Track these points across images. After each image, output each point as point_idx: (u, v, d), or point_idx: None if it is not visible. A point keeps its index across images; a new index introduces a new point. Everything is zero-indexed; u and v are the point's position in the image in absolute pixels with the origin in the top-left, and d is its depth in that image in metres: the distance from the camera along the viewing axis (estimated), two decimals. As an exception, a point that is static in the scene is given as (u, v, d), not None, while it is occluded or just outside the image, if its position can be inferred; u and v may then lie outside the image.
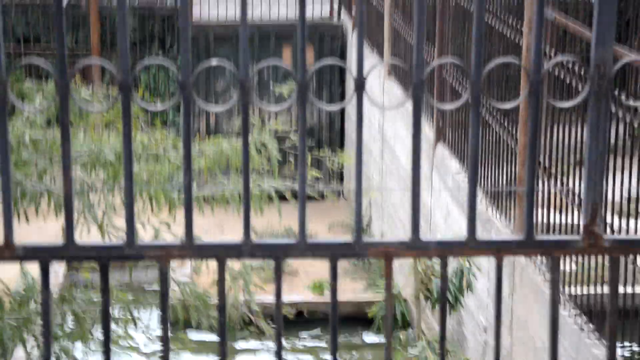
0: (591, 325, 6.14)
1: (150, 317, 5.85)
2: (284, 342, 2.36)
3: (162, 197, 5.32)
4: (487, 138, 8.06)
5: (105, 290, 2.08)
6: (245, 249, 2.09)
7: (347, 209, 14.84)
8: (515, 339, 7.84)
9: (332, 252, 2.11)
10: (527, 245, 1.98)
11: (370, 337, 11.44)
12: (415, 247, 2.06)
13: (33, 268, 5.29)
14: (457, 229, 7.72)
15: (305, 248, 2.10)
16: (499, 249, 2.00)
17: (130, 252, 2.04)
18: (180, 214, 2.32)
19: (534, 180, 2.07)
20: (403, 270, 8.54)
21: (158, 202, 5.29)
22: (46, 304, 2.04)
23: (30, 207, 4.88)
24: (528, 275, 7.36)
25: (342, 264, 14.19)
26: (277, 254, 2.11)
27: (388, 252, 2.08)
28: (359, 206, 2.12)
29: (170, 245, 2.08)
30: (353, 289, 13.25)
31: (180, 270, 6.15)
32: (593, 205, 2.00)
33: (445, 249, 2.05)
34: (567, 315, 6.51)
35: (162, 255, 2.06)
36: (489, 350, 7.96)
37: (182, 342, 5.89)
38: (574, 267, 6.97)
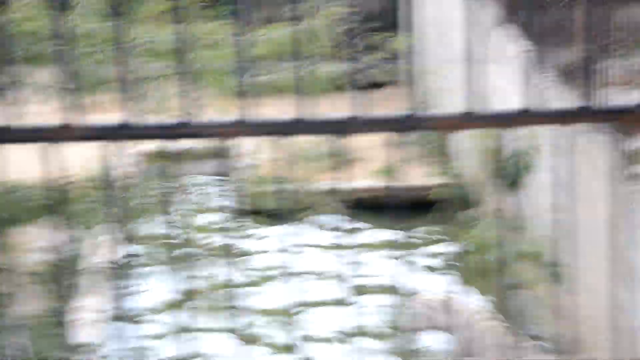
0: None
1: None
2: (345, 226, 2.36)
3: (219, 84, 5.32)
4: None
5: (172, 160, 2.10)
6: (304, 126, 2.08)
7: (406, 97, 14.72)
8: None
9: (391, 126, 2.08)
10: (590, 113, 1.93)
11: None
12: (473, 118, 2.03)
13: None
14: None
15: (365, 122, 2.08)
16: (562, 118, 1.96)
17: (188, 131, 2.04)
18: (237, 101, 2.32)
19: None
20: (472, 154, 8.47)
21: (218, 89, 5.29)
22: (106, 180, 2.06)
23: (89, 96, 4.92)
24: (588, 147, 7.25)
25: (407, 149, 14.14)
26: (338, 129, 2.10)
27: (446, 125, 2.05)
28: (414, 84, 2.09)
29: (226, 122, 2.08)
30: (421, 174, 13.24)
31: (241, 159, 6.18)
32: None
33: (504, 120, 2.02)
34: None
35: (220, 132, 2.06)
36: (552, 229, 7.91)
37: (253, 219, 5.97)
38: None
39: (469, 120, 2.00)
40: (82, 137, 1.99)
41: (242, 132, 2.02)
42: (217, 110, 5.36)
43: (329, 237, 11.43)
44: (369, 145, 15.29)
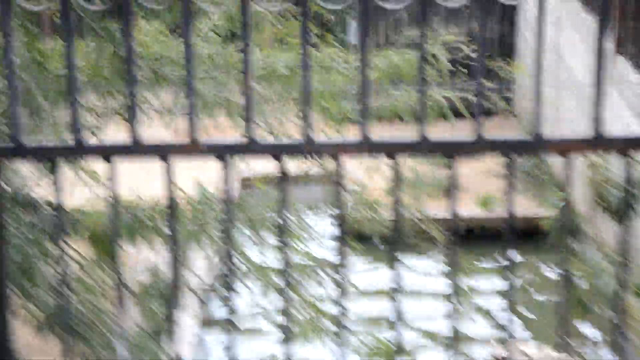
0: None
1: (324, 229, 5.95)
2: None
3: (335, 108, 5.36)
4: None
5: (282, 185, 2.12)
6: (419, 145, 2.08)
7: (519, 126, 14.54)
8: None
9: (509, 149, 2.06)
10: None
11: (543, 254, 11.28)
12: (597, 142, 1.99)
13: (208, 183, 5.45)
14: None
15: (481, 145, 2.06)
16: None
17: (307, 149, 2.07)
18: (353, 127, 2.33)
19: None
20: (578, 185, 8.31)
21: (331, 113, 5.33)
22: (227, 198, 2.10)
23: (210, 116, 5.03)
24: None
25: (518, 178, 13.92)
26: (452, 151, 2.08)
27: (567, 148, 2.02)
28: (537, 101, 2.06)
29: (345, 142, 2.09)
30: (525, 205, 13.03)
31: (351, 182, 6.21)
32: None
33: (630, 144, 1.97)
34: None
35: (338, 150, 2.07)
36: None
37: (354, 248, 5.97)
38: None
39: (594, 143, 1.96)
40: (209, 152, 2.03)
41: (364, 151, 2.03)
42: (332, 133, 5.42)
43: (438, 268, 11.37)
44: (474, 174, 15.13)
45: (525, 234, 10.69)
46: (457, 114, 6.34)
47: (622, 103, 9.05)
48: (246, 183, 11.27)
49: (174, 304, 2.26)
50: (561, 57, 11.90)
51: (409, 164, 6.46)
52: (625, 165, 2.03)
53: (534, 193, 13.47)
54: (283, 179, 2.13)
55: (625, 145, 1.94)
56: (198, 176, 5.65)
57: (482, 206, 12.88)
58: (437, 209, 6.80)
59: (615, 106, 9.24)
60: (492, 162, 14.94)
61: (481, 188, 13.83)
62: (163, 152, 1.96)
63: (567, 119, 12.39)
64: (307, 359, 9.29)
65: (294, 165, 6.15)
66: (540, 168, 14.44)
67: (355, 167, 6.07)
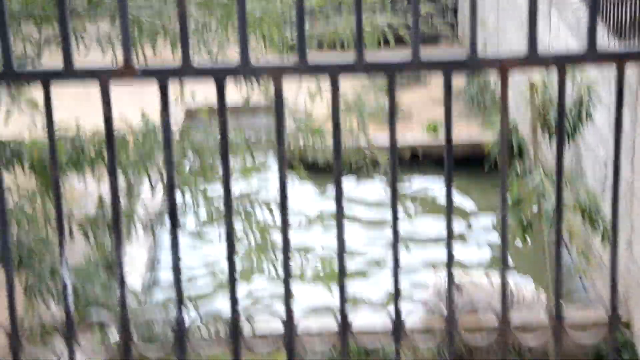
0: None
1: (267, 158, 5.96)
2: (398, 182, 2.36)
3: (276, 35, 5.33)
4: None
5: (222, 110, 2.11)
6: (359, 66, 2.07)
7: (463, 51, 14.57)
8: (637, 172, 7.68)
9: (447, 67, 2.06)
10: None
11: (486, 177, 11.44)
12: (532, 59, 2.00)
13: (153, 114, 5.41)
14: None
15: (419, 64, 2.06)
16: (621, 58, 1.93)
17: (244, 71, 2.05)
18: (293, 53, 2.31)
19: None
20: (520, 109, 8.40)
21: (272, 39, 5.29)
22: (167, 125, 2.08)
23: (147, 42, 4.97)
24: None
25: (457, 107, 14.04)
26: (391, 70, 2.08)
27: (503, 65, 2.03)
28: (474, 21, 2.07)
29: (283, 64, 2.08)
30: (468, 131, 13.15)
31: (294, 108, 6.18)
32: None
33: (563, 60, 1.99)
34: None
35: (276, 72, 2.06)
36: (608, 183, 7.86)
37: (298, 173, 5.98)
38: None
39: (529, 60, 1.97)
40: (144, 76, 2.00)
41: (303, 72, 2.02)
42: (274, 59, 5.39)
43: (379, 191, 11.47)
44: (420, 101, 15.16)
45: (472, 160, 10.81)
46: (401, 41, 6.34)
47: (561, 24, 9.12)
48: (191, 114, 11.20)
49: (118, 234, 2.25)
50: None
51: (354, 91, 6.47)
52: (559, 82, 2.05)
53: (479, 119, 13.60)
54: (222, 106, 2.12)
55: (559, 62, 1.96)
56: (143, 109, 5.61)
57: (428, 132, 12.97)
58: (384, 137, 6.83)
59: (555, 27, 9.31)
60: (438, 90, 15.04)
61: (427, 115, 13.90)
62: (97, 76, 1.93)
63: (507, 41, 12.46)
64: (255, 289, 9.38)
65: (237, 97, 6.13)
66: (484, 94, 14.55)
67: (299, 97, 6.06)
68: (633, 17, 7.39)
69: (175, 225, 2.18)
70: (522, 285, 8.24)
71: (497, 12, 12.70)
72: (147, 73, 1.95)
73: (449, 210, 2.19)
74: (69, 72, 1.91)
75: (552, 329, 2.09)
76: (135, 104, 5.91)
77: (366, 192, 11.54)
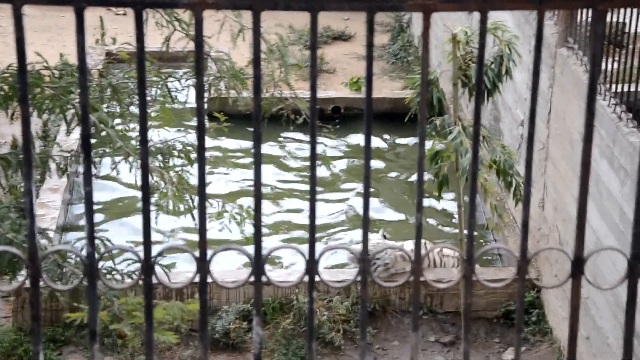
0: (629, 114, 6.10)
1: (187, 93, 5.87)
2: (320, 138, 2.35)
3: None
4: None
5: (140, 38, 2.06)
6: (282, 1, 2.05)
7: None
8: (553, 130, 7.84)
9: (370, 5, 2.05)
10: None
11: (407, 131, 11.53)
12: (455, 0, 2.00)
13: (71, 57, 5.29)
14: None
15: (343, 0, 2.05)
16: (540, 1, 1.94)
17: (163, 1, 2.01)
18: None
19: None
20: (442, 66, 8.46)
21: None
22: (82, 52, 2.03)
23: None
24: (569, 66, 7.26)
25: (380, 64, 14.10)
26: (313, 6, 2.06)
27: (427, 6, 2.03)
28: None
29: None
30: (391, 87, 13.23)
31: (216, 49, 6.09)
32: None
33: (485, 2, 2.00)
34: (606, 105, 6.45)
35: (197, 3, 2.02)
36: (524, 143, 8.01)
37: (217, 120, 5.92)
38: (615, 65, 6.85)
39: (450, 1, 1.97)
40: (59, 1, 1.94)
41: (224, 5, 1.98)
42: None
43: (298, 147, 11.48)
44: (343, 58, 15.16)
45: (395, 115, 10.88)
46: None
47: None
48: (112, 57, 10.99)
49: (29, 175, 2.19)
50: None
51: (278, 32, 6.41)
52: (480, 27, 2.05)
53: (401, 76, 13.68)
54: (140, 35, 2.07)
55: (479, 2, 1.96)
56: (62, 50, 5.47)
57: (351, 87, 13.00)
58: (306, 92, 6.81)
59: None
60: (362, 46, 15.00)
61: (351, 70, 13.92)
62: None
63: None
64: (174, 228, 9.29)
65: (159, 41, 6.01)
66: (407, 50, 14.62)
67: (220, 41, 5.99)
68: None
69: (88, 160, 2.14)
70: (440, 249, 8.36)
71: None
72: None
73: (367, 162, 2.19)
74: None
75: (463, 274, 2.12)
76: (55, 48, 5.75)
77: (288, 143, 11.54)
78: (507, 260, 8.87)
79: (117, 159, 5.04)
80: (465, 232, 5.94)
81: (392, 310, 8.22)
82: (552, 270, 8.20)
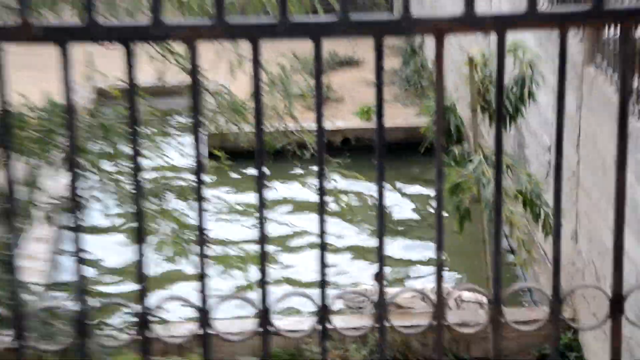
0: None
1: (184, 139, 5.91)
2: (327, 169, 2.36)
3: (194, 1, 5.29)
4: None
5: (130, 77, 2.08)
6: (281, 29, 2.07)
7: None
8: (583, 156, 7.84)
9: (377, 30, 2.07)
10: (595, 15, 1.93)
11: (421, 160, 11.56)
12: (469, 21, 2.02)
13: (57, 95, 5.35)
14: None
15: (348, 26, 2.07)
16: (563, 20, 1.96)
17: (155, 32, 2.03)
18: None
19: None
20: (459, 90, 8.50)
21: (189, 6, 5.26)
22: (67, 89, 2.05)
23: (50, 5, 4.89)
24: (598, 85, 7.28)
25: (392, 90, 14.13)
26: (316, 34, 2.08)
27: (439, 28, 2.05)
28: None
29: (199, 25, 2.06)
30: (404, 115, 13.25)
31: (215, 81, 6.13)
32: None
33: (502, 22, 2.02)
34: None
35: (191, 35, 2.04)
36: (552, 171, 7.96)
37: (219, 158, 5.94)
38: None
39: (465, 23, 1.99)
40: (42, 38, 1.97)
41: (220, 34, 2.00)
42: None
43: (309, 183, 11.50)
44: (351, 85, 15.19)
45: (409, 145, 10.90)
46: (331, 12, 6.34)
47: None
48: (102, 93, 11.07)
49: (13, 220, 2.20)
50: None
51: (279, 70, 6.45)
52: (498, 48, 2.07)
53: (415, 102, 13.70)
54: (131, 72, 2.09)
55: (498, 23, 1.98)
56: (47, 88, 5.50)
57: (361, 117, 13.04)
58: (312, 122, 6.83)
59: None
60: (371, 72, 15.05)
61: (359, 98, 13.97)
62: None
63: (443, 7, 12.58)
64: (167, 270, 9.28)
65: (152, 76, 6.05)
66: (420, 74, 14.67)
67: (218, 73, 6.03)
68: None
69: (76, 207, 2.15)
70: (461, 290, 8.35)
71: (435, -14, 12.84)
72: (48, 32, 1.91)
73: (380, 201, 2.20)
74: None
75: (490, 316, 2.12)
76: (39, 85, 5.82)
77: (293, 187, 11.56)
78: (537, 294, 8.83)
79: (110, 202, 5.07)
80: (490, 270, 5.93)
81: (414, 358, 8.18)
82: (589, 309, 8.15)
